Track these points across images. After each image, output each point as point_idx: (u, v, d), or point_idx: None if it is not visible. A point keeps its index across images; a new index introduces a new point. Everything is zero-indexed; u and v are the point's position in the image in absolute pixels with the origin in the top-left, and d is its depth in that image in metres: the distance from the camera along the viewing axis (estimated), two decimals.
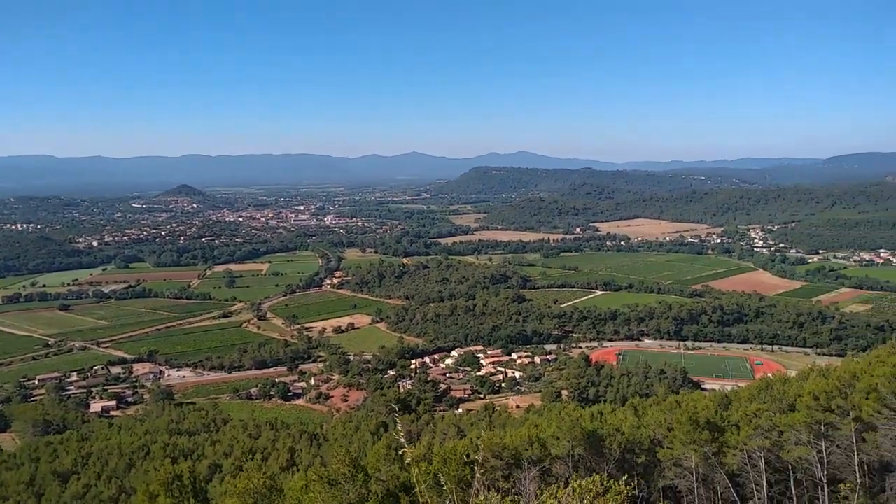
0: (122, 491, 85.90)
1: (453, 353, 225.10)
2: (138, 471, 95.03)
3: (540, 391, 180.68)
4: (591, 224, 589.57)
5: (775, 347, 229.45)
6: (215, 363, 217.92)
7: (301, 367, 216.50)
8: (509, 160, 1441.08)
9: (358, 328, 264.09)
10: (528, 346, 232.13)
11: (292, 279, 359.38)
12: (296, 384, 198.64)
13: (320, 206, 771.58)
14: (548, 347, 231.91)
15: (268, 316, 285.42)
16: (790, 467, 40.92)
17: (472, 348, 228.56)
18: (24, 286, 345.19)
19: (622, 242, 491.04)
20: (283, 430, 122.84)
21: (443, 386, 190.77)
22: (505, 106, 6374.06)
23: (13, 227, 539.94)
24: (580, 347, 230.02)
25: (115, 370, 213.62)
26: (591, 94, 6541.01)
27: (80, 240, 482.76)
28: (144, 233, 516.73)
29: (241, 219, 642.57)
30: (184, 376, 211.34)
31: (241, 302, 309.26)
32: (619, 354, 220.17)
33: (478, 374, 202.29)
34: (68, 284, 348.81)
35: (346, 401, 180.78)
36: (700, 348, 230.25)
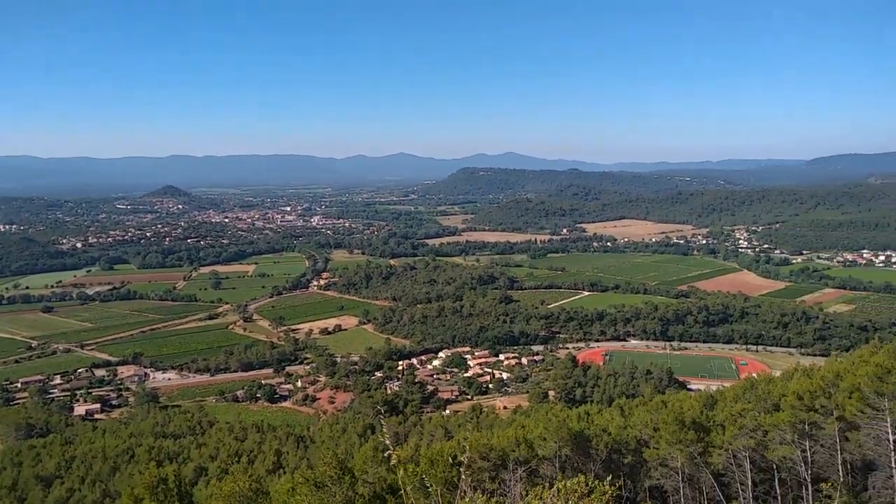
0: (106, 495, 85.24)
1: (441, 354, 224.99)
2: (123, 474, 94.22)
3: (527, 392, 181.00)
4: (578, 225, 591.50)
5: (760, 347, 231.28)
6: (201, 365, 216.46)
7: (288, 368, 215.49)
8: (497, 161, 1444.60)
9: (345, 330, 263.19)
10: (516, 347, 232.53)
11: (279, 280, 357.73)
12: (282, 386, 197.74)
13: (307, 207, 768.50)
14: (535, 348, 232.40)
15: (254, 317, 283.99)
16: (775, 466, 41.25)
17: (459, 349, 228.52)
18: (6, 288, 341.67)
19: (608, 243, 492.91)
20: (270, 432, 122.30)
21: (430, 387, 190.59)
22: (494, 107, 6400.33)
23: None
24: (567, 348, 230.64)
25: (100, 373, 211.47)
26: (580, 95, 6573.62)
27: (64, 241, 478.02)
28: (129, 234, 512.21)
29: (227, 220, 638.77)
30: (169, 379, 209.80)
31: (227, 303, 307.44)
32: (606, 355, 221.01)
33: (465, 375, 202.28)
34: (52, 286, 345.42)
35: (332, 403, 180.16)
36: (686, 348, 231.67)
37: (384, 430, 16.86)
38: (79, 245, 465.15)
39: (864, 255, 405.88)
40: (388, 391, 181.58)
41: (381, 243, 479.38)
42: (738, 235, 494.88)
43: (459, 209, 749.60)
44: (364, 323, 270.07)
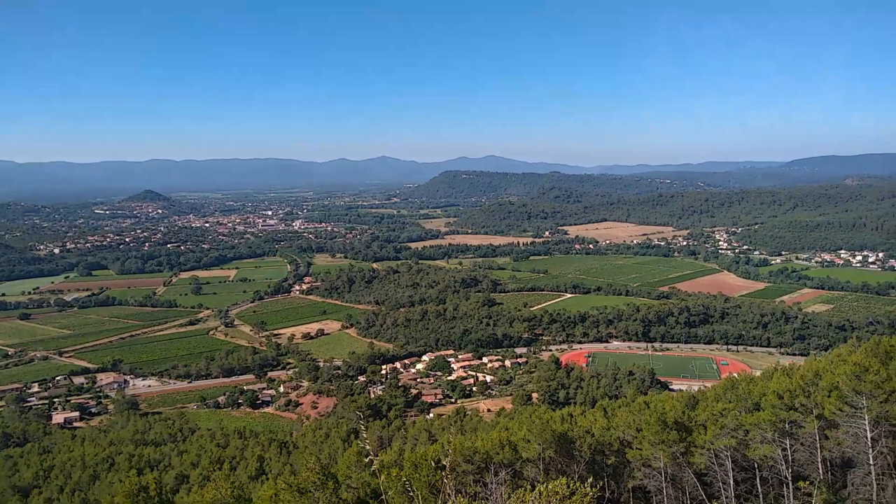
0: None
1: (424, 357, 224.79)
2: (103, 483, 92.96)
3: (511, 394, 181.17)
4: (560, 227, 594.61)
5: (740, 347, 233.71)
6: (182, 372, 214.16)
7: (270, 374, 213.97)
8: (479, 164, 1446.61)
9: (328, 334, 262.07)
10: (499, 350, 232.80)
11: (260, 285, 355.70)
12: (265, 392, 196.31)
13: (289, 211, 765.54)
14: (518, 351, 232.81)
15: (235, 323, 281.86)
16: (756, 465, 41.58)
17: (442, 353, 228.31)
18: None
19: (590, 245, 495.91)
20: (252, 438, 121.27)
21: (414, 391, 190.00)
22: (476, 111, 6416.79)
23: None
24: (550, 350, 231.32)
25: (78, 380, 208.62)
26: (562, 99, 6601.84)
27: (42, 247, 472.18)
28: (108, 239, 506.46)
29: (207, 224, 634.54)
30: (149, 386, 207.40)
31: (207, 309, 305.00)
32: (589, 356, 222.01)
33: (449, 378, 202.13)
34: (29, 293, 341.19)
35: (315, 408, 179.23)
36: (668, 349, 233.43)
37: (364, 436, 16.78)
38: (56, 251, 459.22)
39: (842, 256, 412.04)
40: (372, 395, 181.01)
41: (364, 247, 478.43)
42: (717, 237, 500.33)
43: (442, 212, 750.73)
44: (347, 327, 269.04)
